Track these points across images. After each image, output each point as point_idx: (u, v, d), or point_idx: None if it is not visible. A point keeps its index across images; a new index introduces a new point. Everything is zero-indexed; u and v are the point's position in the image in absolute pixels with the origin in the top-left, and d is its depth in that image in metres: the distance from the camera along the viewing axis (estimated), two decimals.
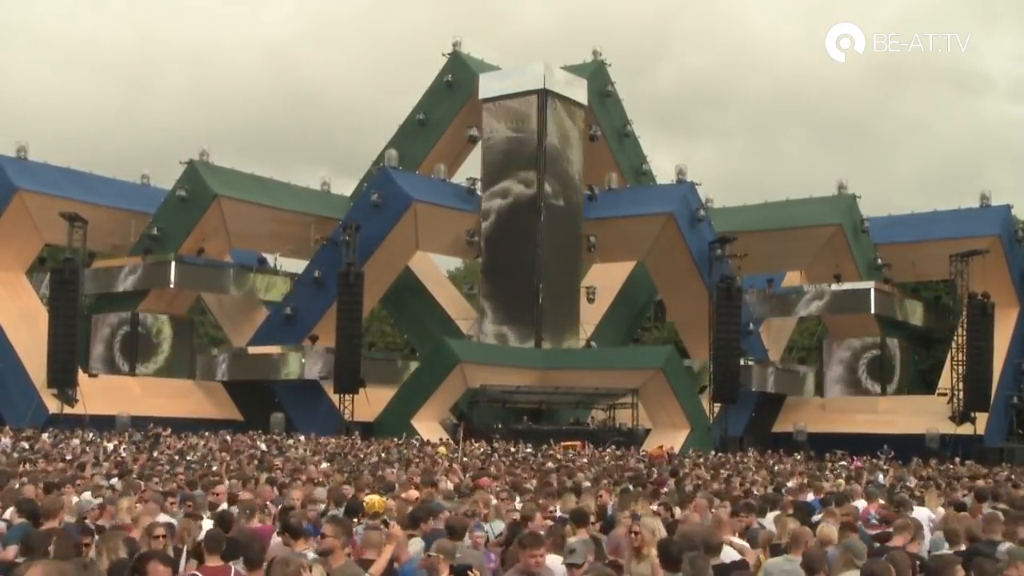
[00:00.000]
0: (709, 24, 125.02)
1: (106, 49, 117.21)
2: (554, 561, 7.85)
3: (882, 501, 13.25)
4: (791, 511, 11.15)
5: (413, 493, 13.09)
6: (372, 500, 11.03)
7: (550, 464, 23.37)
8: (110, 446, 27.08)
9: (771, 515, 11.14)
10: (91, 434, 31.50)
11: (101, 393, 40.45)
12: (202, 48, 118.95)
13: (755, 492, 15.61)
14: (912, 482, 20.41)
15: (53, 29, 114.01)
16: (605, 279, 52.14)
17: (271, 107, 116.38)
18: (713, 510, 10.90)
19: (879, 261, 50.32)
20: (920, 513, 12.02)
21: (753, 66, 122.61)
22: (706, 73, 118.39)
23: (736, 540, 9.07)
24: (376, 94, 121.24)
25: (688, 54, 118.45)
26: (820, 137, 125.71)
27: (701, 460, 27.91)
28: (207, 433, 33.96)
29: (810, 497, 14.38)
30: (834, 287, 49.18)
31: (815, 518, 10.56)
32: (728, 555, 8.26)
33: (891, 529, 9.73)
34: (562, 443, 35.00)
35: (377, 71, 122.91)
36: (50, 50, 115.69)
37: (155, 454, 24.44)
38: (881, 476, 22.49)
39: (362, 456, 25.46)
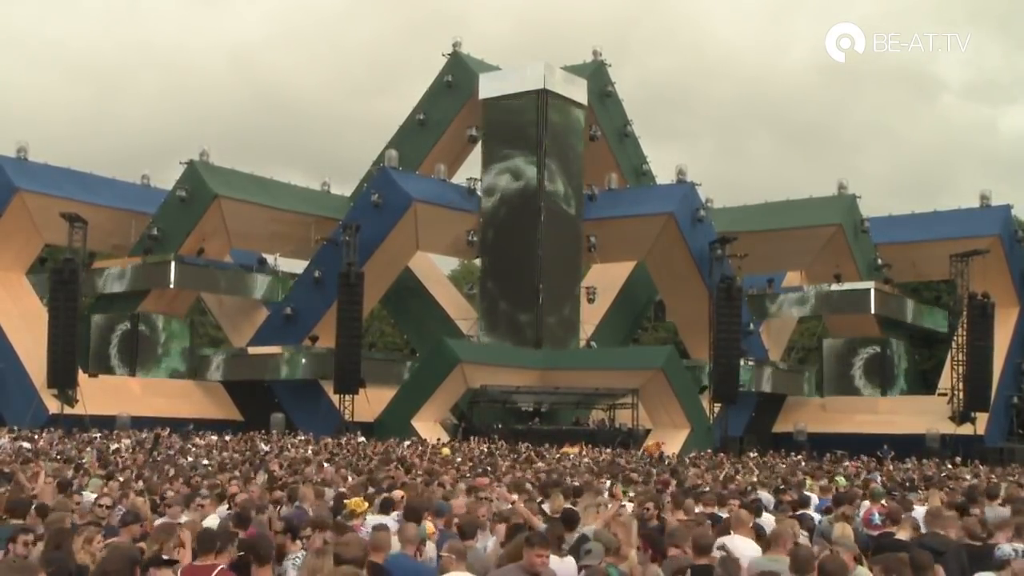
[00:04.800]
0: (670, 28, 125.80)
1: (77, 52, 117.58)
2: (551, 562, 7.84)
3: (883, 502, 13.22)
4: (791, 512, 11.14)
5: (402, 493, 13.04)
6: (352, 502, 10.98)
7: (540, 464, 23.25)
8: (113, 447, 27.06)
9: (768, 516, 11.14)
10: (96, 434, 31.50)
11: (101, 393, 40.45)
12: (173, 51, 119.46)
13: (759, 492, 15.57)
14: (914, 476, 20.41)
15: (25, 31, 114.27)
16: (605, 279, 52.12)
17: (241, 109, 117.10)
18: (728, 509, 10.84)
19: (879, 261, 50.34)
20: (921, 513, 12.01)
21: (715, 70, 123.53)
22: (668, 77, 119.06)
23: (737, 541, 8.98)
24: (344, 96, 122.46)
25: (649, 57, 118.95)
26: (784, 140, 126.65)
27: (700, 460, 27.90)
28: (211, 434, 33.95)
29: (813, 497, 14.38)
30: (834, 287, 49.22)
31: (821, 518, 10.55)
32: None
33: (894, 528, 9.73)
34: (561, 449, 34.39)
35: (345, 73, 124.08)
36: (23, 52, 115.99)
37: (155, 454, 24.43)
38: (878, 476, 22.40)
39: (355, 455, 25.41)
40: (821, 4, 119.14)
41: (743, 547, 8.45)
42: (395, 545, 8.16)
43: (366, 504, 10.71)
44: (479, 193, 48.69)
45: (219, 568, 7.10)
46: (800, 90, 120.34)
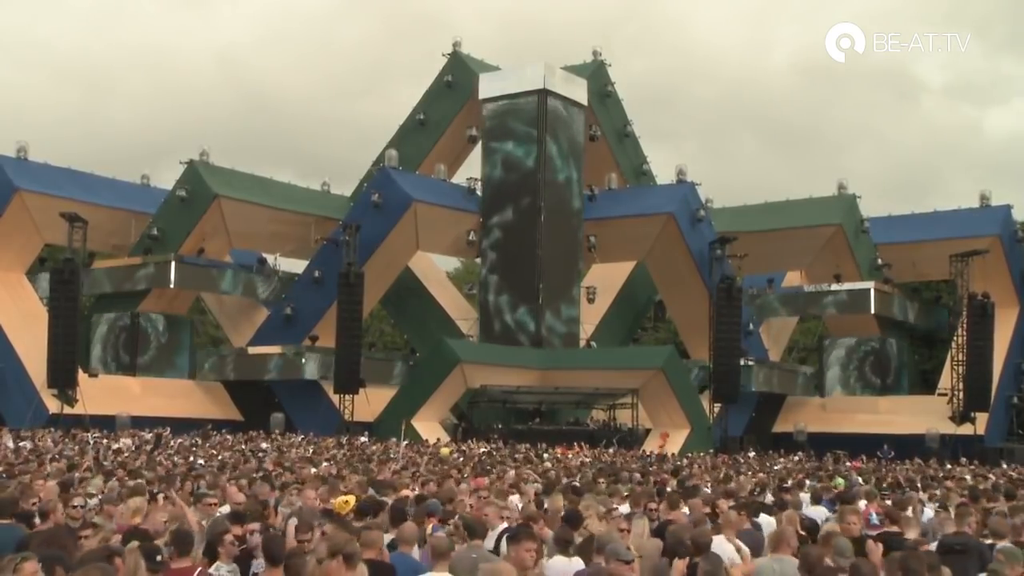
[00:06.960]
0: (654, 29, 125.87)
1: (65, 53, 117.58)
2: (557, 562, 7.82)
3: (889, 502, 13.22)
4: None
5: (406, 493, 13.03)
6: (338, 501, 10.95)
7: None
8: (115, 446, 27.06)
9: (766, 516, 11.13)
10: (96, 433, 31.50)
11: (101, 393, 40.42)
12: (162, 53, 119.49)
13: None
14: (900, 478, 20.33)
15: (14, 32, 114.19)
16: (605, 279, 52.11)
17: (230, 111, 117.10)
18: (721, 509, 10.84)
19: (879, 261, 50.33)
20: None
21: (699, 71, 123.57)
22: (652, 78, 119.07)
23: (737, 542, 8.98)
24: (332, 98, 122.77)
25: (633, 59, 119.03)
26: (769, 142, 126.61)
27: (699, 460, 27.87)
28: (213, 432, 33.93)
29: (806, 496, 14.38)
30: (834, 287, 49.21)
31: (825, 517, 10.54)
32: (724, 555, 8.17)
33: (893, 528, 9.72)
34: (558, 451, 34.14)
35: (333, 75, 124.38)
36: (12, 53, 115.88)
37: (155, 454, 24.39)
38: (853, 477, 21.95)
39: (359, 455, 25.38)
40: (804, 6, 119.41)
41: (721, 549, 8.41)
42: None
43: (348, 504, 10.67)
44: (479, 193, 48.70)
45: (198, 570, 7.06)
46: (784, 92, 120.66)
